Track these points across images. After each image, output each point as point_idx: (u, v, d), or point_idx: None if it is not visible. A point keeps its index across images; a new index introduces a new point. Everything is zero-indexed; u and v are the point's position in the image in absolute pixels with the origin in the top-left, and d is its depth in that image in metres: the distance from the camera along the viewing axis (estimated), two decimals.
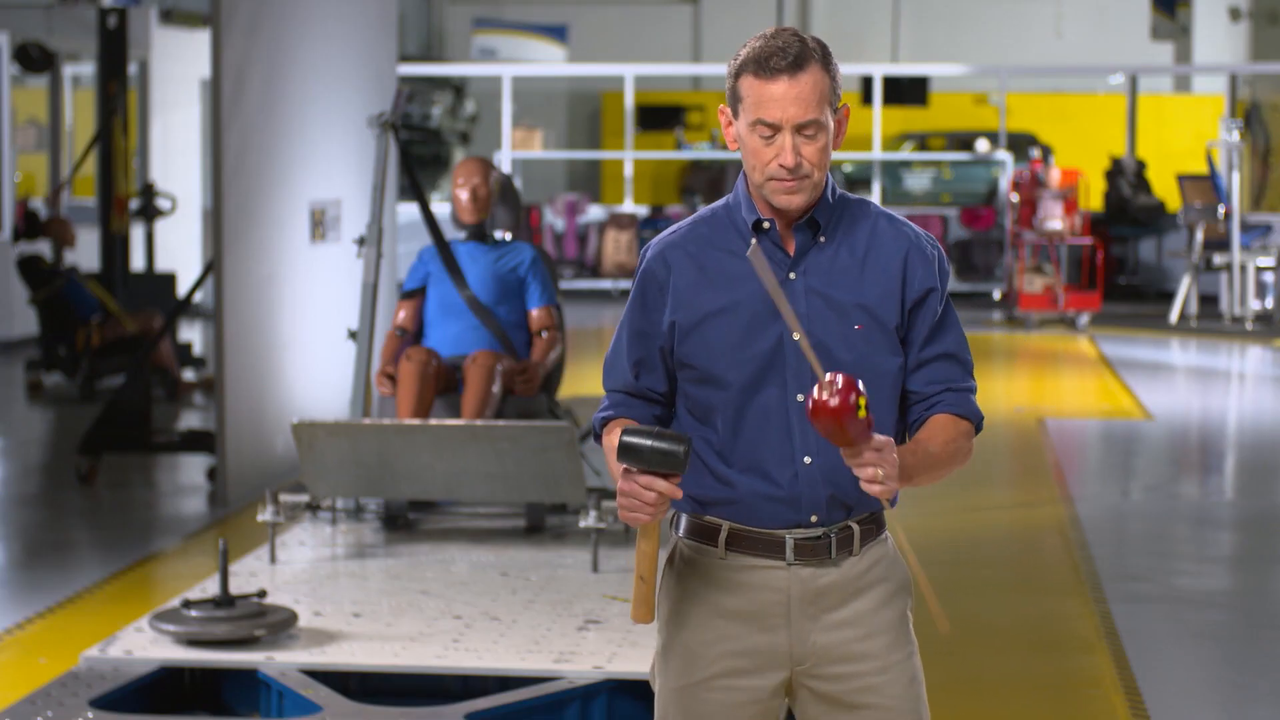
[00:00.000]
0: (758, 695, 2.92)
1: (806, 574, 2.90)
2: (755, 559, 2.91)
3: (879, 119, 20.04)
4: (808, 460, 2.86)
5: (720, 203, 2.98)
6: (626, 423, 2.92)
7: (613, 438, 2.91)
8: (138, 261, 15.54)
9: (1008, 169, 18.92)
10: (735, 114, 2.89)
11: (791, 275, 2.88)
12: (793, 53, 2.81)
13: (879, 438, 2.65)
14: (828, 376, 2.60)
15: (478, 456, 6.14)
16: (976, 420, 2.95)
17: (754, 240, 2.88)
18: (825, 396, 2.59)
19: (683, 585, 2.96)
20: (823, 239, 2.90)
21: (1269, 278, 16.89)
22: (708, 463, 2.90)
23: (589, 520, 5.95)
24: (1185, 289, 16.88)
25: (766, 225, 2.89)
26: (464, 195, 7.06)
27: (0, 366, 13.81)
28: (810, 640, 2.91)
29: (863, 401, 2.59)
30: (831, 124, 2.85)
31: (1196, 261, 16.85)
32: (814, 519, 2.88)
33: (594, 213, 20.29)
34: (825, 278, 2.87)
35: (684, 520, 2.97)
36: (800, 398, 2.85)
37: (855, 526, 2.91)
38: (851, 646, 2.91)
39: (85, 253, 14.89)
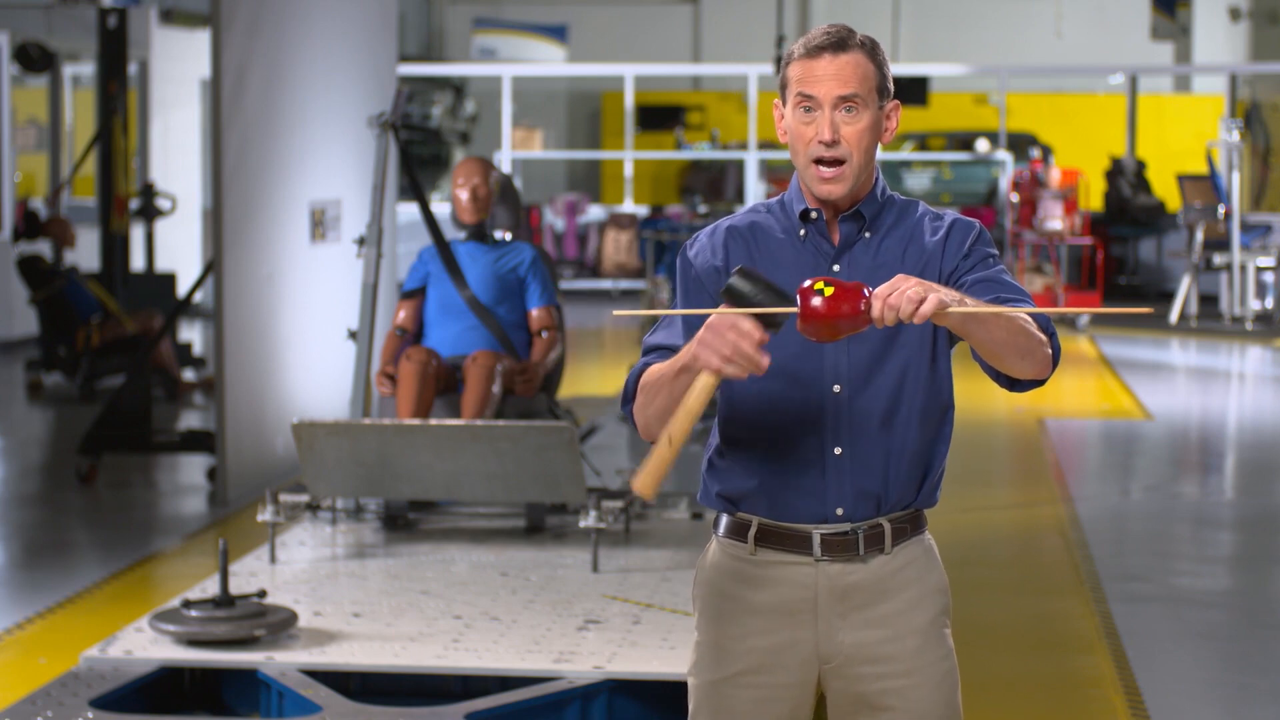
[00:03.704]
0: (785, 692, 2.92)
1: (834, 570, 2.90)
2: (783, 554, 2.91)
3: None
4: (838, 451, 2.87)
5: (778, 197, 3.00)
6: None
7: (654, 376, 2.84)
8: (138, 261, 15.54)
9: (1008, 169, 18.92)
10: (784, 102, 2.91)
11: (835, 268, 2.90)
12: (838, 35, 2.87)
13: (878, 289, 2.62)
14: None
15: (478, 456, 6.13)
16: (1040, 319, 2.81)
17: (802, 231, 2.91)
18: (800, 313, 2.62)
19: (714, 581, 2.97)
20: (868, 234, 2.91)
21: (1269, 278, 16.88)
22: (737, 454, 2.91)
23: (589, 520, 5.94)
24: (1185, 289, 16.87)
25: (814, 215, 2.91)
26: (464, 195, 7.06)
27: (0, 366, 13.81)
28: (838, 638, 2.91)
29: (819, 285, 2.61)
30: (876, 112, 2.87)
31: (1196, 261, 16.85)
32: (840, 512, 2.88)
33: (594, 213, 20.29)
34: (868, 271, 2.88)
35: (722, 520, 2.97)
36: (837, 388, 2.86)
37: (886, 524, 2.91)
38: (879, 648, 2.90)
39: (85, 253, 14.90)
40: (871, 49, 2.88)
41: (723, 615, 2.95)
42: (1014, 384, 2.88)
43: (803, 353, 2.86)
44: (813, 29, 2.92)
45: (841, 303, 2.60)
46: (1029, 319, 2.78)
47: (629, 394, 2.93)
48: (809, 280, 2.64)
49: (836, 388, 2.87)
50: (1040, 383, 2.86)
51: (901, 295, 2.60)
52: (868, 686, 2.90)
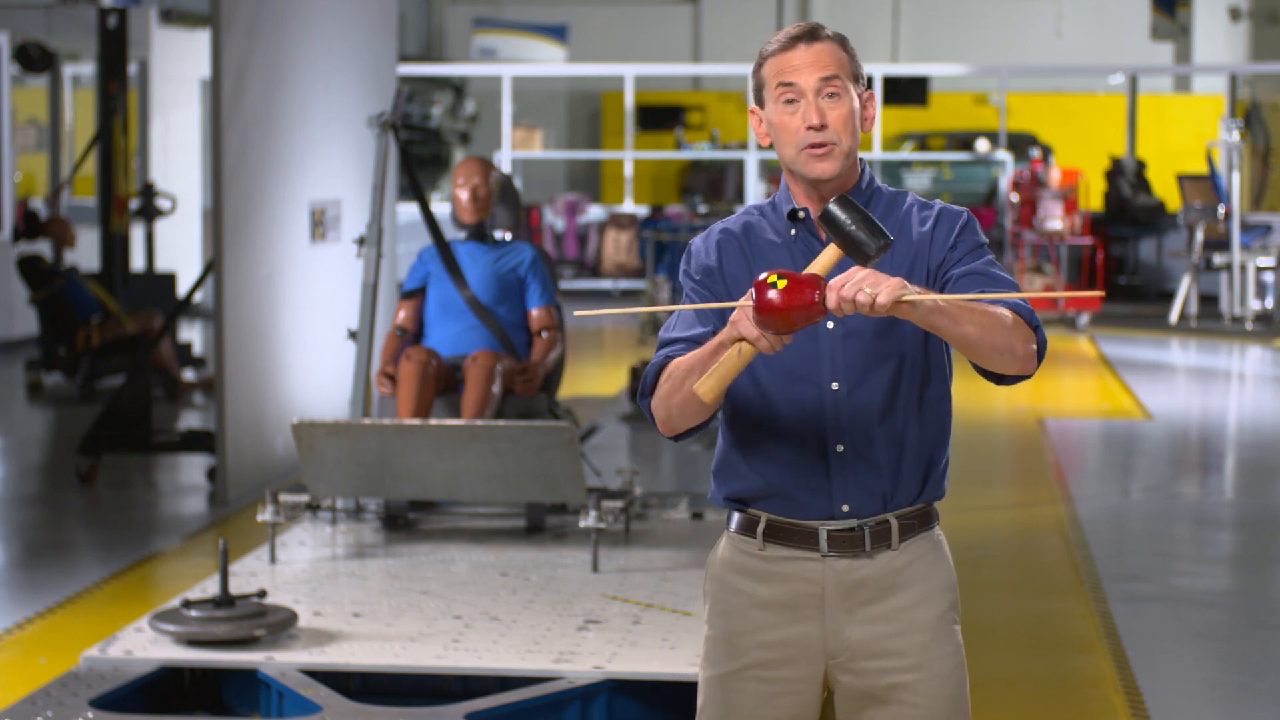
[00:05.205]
0: (792, 686, 2.94)
1: (841, 566, 2.91)
2: (791, 550, 2.93)
3: (879, 119, 20.04)
4: (840, 449, 2.88)
5: (769, 199, 3.01)
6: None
7: (681, 363, 2.84)
8: (138, 261, 15.55)
9: (1008, 169, 18.91)
10: (762, 103, 2.92)
11: None
12: (809, 27, 2.91)
13: (833, 280, 2.63)
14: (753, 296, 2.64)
15: (478, 456, 6.14)
16: (1025, 313, 2.81)
17: (793, 230, 2.93)
18: (755, 307, 2.62)
19: (724, 576, 2.99)
20: None
21: (1269, 278, 16.88)
22: (743, 455, 2.92)
23: (589, 520, 5.94)
24: (1185, 289, 16.87)
25: (802, 214, 2.92)
26: (464, 195, 7.06)
27: (0, 366, 13.81)
28: (844, 634, 2.92)
29: (772, 278, 2.62)
30: (855, 97, 2.89)
31: (1196, 261, 16.85)
32: (845, 509, 2.90)
33: (594, 213, 20.29)
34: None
35: (734, 516, 2.99)
36: (835, 385, 2.86)
37: (894, 520, 2.92)
38: (885, 642, 2.92)
39: (85, 253, 14.90)
40: (841, 40, 2.92)
41: (732, 610, 2.97)
42: (999, 379, 2.88)
43: (801, 351, 2.87)
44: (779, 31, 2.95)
45: (795, 295, 2.62)
46: (1006, 313, 2.77)
47: (648, 386, 2.92)
48: (763, 274, 2.65)
49: (835, 385, 2.87)
50: (1026, 377, 2.85)
51: (856, 287, 2.60)
52: (875, 681, 2.92)
